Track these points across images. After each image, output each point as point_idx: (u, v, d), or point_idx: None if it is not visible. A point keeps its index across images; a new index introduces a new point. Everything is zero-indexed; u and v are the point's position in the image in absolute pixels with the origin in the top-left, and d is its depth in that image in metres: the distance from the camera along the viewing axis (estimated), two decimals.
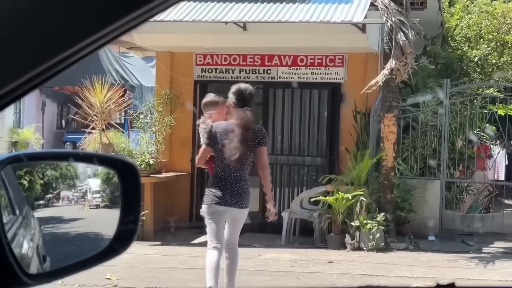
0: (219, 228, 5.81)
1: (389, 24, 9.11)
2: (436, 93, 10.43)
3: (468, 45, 13.61)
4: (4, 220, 1.19)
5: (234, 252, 5.92)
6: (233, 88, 5.92)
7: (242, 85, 5.97)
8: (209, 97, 6.50)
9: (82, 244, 1.57)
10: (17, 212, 1.43)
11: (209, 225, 5.84)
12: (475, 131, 10.97)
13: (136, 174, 1.30)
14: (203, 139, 6.03)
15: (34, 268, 1.33)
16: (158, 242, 9.39)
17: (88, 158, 1.48)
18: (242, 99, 5.80)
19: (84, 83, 10.36)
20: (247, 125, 5.74)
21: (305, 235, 9.87)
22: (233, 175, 5.76)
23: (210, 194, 5.79)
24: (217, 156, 5.82)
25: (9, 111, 15.56)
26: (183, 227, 10.56)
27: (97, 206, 1.79)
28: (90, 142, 10.36)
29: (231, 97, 5.89)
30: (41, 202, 1.62)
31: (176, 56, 11.18)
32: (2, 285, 1.04)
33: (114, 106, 10.46)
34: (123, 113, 15.82)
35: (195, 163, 6.68)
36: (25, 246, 1.38)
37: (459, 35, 13.82)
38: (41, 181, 1.61)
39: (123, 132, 13.16)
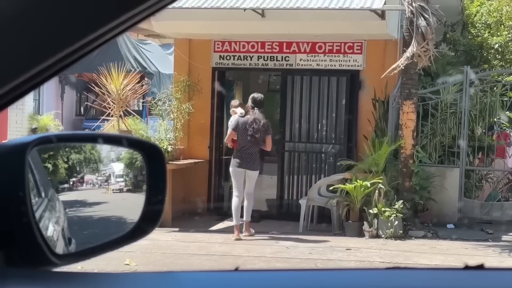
0: (239, 183, 8.99)
1: (410, 9, 9.02)
2: (455, 81, 10.35)
3: (489, 32, 13.45)
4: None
5: (250, 197, 8.99)
6: (251, 96, 9.25)
7: (256, 94, 9.28)
8: (235, 102, 9.87)
9: (106, 228, 1.58)
10: (43, 194, 1.44)
11: (233, 181, 9.12)
12: (495, 119, 10.88)
13: (161, 156, 1.31)
14: (230, 126, 9.27)
15: (59, 250, 1.34)
16: (177, 229, 9.44)
17: (117, 140, 1.49)
18: (255, 103, 9.10)
19: (101, 70, 10.41)
20: (258, 120, 8.94)
21: (323, 222, 9.87)
22: (248, 150, 8.96)
23: (234, 161, 9.04)
24: (239, 138, 8.98)
25: (29, 98, 15.68)
26: (201, 214, 10.61)
27: (121, 190, 1.79)
28: (109, 129, 10.41)
29: (249, 102, 9.18)
30: (65, 185, 1.63)
31: (194, 43, 11.18)
32: (31, 264, 1.05)
33: (131, 93, 10.49)
34: (141, 100, 15.88)
35: (224, 141, 9.86)
36: (51, 228, 1.39)
37: (479, 21, 13.66)
38: (65, 165, 1.62)
39: (141, 119, 13.22)
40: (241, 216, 9.01)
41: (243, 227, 9.01)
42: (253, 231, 9.10)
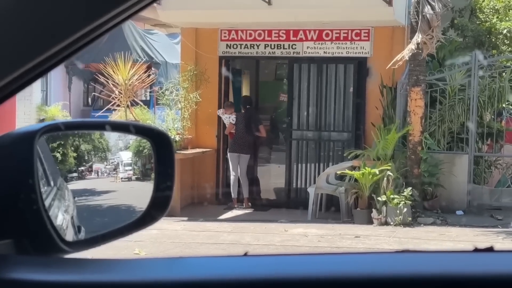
0: (235, 164, 10.57)
1: None
2: (463, 66, 10.30)
3: (497, 17, 13.35)
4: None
5: (244, 177, 10.58)
6: (242, 97, 11.55)
7: (247, 96, 11.78)
8: (228, 102, 11.13)
9: (115, 216, 1.58)
10: (52, 183, 1.44)
11: (230, 162, 10.67)
12: (503, 104, 10.83)
13: (170, 142, 1.30)
14: (226, 121, 10.83)
15: (69, 237, 1.35)
16: (185, 218, 9.47)
17: (124, 127, 1.48)
18: (246, 103, 11.04)
19: (107, 61, 10.40)
20: (249, 115, 10.72)
21: (331, 210, 9.87)
22: (242, 138, 10.61)
23: (230, 147, 10.71)
24: (236, 129, 10.63)
25: (37, 88, 15.72)
26: (209, 203, 10.63)
27: (129, 179, 1.79)
28: (116, 119, 10.44)
29: (242, 101, 11.21)
30: (74, 174, 1.63)
31: (201, 32, 11.16)
32: (41, 251, 1.05)
33: (138, 83, 10.50)
34: (148, 90, 15.89)
35: (225, 132, 10.95)
36: (60, 217, 1.40)
37: (487, 6, 13.56)
38: (74, 154, 1.62)
39: (148, 109, 13.22)
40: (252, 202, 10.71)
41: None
42: (250, 204, 10.64)
